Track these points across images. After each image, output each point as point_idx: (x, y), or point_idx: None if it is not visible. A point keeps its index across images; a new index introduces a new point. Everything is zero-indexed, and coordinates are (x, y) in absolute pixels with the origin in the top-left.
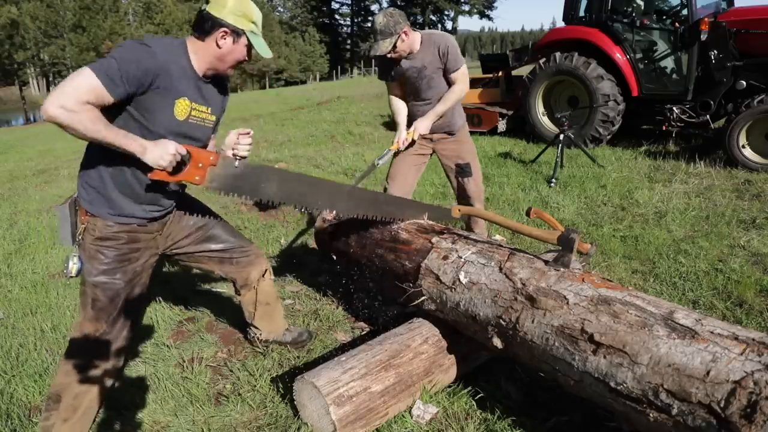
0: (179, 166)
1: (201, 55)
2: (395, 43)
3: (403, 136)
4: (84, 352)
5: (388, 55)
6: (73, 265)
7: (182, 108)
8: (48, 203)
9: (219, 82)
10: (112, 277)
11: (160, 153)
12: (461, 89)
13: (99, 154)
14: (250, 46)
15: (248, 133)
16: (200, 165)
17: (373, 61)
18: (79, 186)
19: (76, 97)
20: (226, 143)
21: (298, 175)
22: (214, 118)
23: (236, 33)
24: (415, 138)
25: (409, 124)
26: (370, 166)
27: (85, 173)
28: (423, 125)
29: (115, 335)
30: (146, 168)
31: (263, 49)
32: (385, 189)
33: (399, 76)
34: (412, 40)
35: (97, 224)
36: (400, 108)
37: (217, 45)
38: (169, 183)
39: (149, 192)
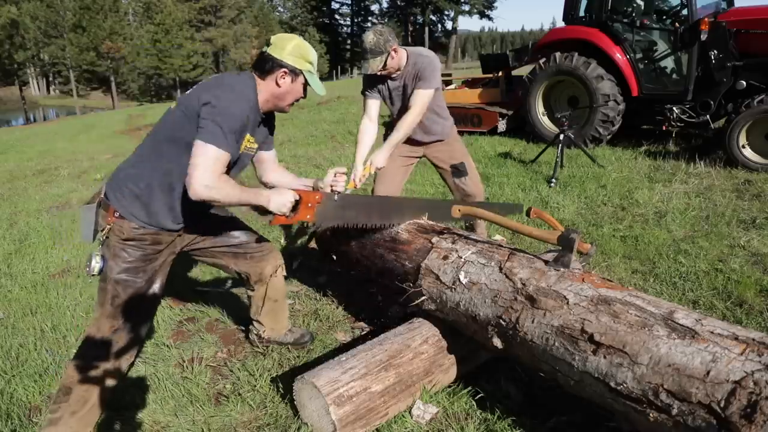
0: (294, 208)
1: (262, 92)
2: (385, 61)
3: (359, 172)
4: (98, 348)
5: (378, 73)
6: (96, 264)
7: (246, 142)
8: (48, 203)
9: (270, 115)
10: (134, 275)
11: (282, 201)
12: (415, 115)
13: (157, 170)
14: (306, 85)
15: (344, 172)
16: (309, 205)
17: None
18: (116, 189)
19: (213, 173)
20: (324, 182)
21: (381, 197)
22: (256, 146)
23: (294, 73)
24: (371, 173)
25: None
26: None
27: (129, 180)
28: (379, 158)
29: (130, 332)
30: (264, 212)
31: (318, 87)
32: (373, 191)
33: (384, 93)
34: (400, 56)
35: (124, 226)
36: (365, 139)
37: (277, 84)
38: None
39: (187, 213)
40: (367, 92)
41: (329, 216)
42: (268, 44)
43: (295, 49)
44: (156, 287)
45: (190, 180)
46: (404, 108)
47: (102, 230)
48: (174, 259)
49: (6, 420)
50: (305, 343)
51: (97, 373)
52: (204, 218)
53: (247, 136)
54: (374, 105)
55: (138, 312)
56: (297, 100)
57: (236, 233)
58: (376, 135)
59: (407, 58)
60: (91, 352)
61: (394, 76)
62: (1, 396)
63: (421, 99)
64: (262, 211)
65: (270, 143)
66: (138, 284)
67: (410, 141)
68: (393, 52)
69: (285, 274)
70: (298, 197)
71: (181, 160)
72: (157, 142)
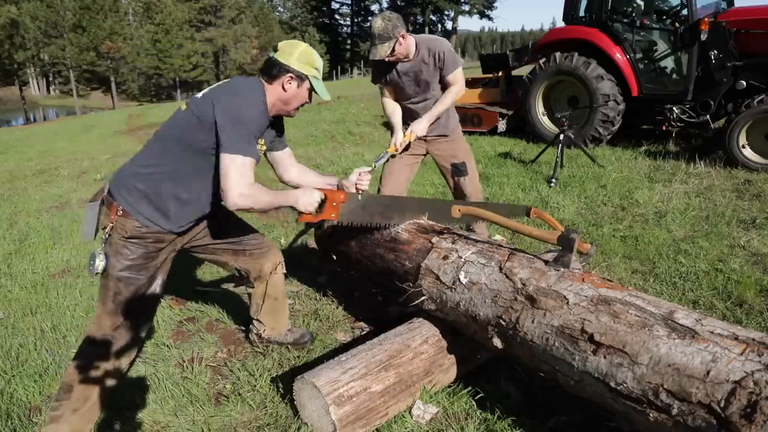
0: (320, 207)
1: (269, 96)
2: (393, 47)
3: (399, 138)
4: (99, 346)
5: (386, 59)
6: (100, 263)
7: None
8: (48, 203)
9: (278, 118)
10: (136, 273)
11: (309, 200)
12: (457, 91)
13: (168, 173)
14: (311, 90)
15: (369, 171)
16: (334, 204)
17: (370, 61)
18: (122, 188)
19: (246, 181)
20: (350, 180)
21: (398, 197)
22: (264, 148)
23: (300, 78)
24: (412, 140)
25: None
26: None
27: (138, 179)
28: (420, 127)
29: (130, 330)
30: (293, 212)
31: (323, 93)
32: (378, 189)
33: (395, 79)
34: (408, 43)
35: (127, 224)
36: (395, 110)
37: (283, 88)
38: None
39: (197, 215)
40: (379, 80)
41: (352, 215)
42: (275, 50)
43: (301, 56)
44: (157, 285)
45: (226, 192)
46: (419, 92)
47: (104, 228)
48: (174, 257)
49: (6, 420)
50: (305, 343)
51: (98, 370)
52: (208, 219)
53: (261, 140)
54: (388, 88)
55: (139, 309)
56: (302, 105)
57: (236, 230)
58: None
59: (417, 46)
60: (93, 349)
61: (404, 60)
62: (1, 396)
63: (459, 79)
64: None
65: (282, 143)
66: (140, 281)
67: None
68: (401, 39)
69: (285, 271)
70: (324, 196)
71: (194, 165)
72: (168, 144)
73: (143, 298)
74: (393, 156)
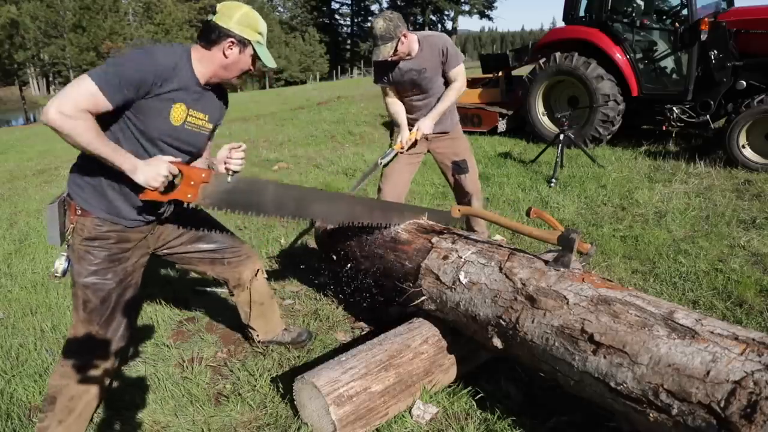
0: (171, 184)
1: (205, 63)
2: (396, 47)
3: (406, 136)
4: (78, 355)
5: (389, 59)
6: (60, 265)
7: (178, 113)
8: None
9: (220, 91)
10: (102, 277)
11: (152, 174)
12: (460, 87)
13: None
14: (255, 57)
15: (240, 147)
16: (192, 183)
17: (372, 61)
18: (72, 184)
19: (75, 103)
20: (218, 158)
21: (292, 186)
22: (210, 126)
23: (242, 43)
24: (418, 138)
25: (410, 124)
26: (372, 166)
27: (80, 170)
28: (426, 125)
29: (110, 336)
30: (137, 188)
31: (268, 60)
32: (380, 188)
33: (398, 78)
34: (410, 41)
35: (86, 224)
36: (399, 109)
37: (224, 54)
38: (162, 202)
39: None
40: (381, 80)
41: (220, 200)
42: (213, 12)
43: (243, 18)
44: (130, 290)
45: (48, 104)
46: (421, 89)
47: (68, 231)
48: (148, 261)
49: (6, 420)
50: (303, 342)
51: (80, 381)
52: (177, 214)
53: (182, 106)
54: (391, 87)
55: (113, 316)
56: (245, 73)
57: (213, 237)
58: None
59: (419, 43)
60: (72, 360)
61: (406, 58)
62: (1, 396)
63: (461, 74)
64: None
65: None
66: (108, 286)
67: None
68: (403, 38)
69: (266, 276)
70: (177, 172)
71: (111, 136)
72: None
73: (116, 303)
74: (399, 153)
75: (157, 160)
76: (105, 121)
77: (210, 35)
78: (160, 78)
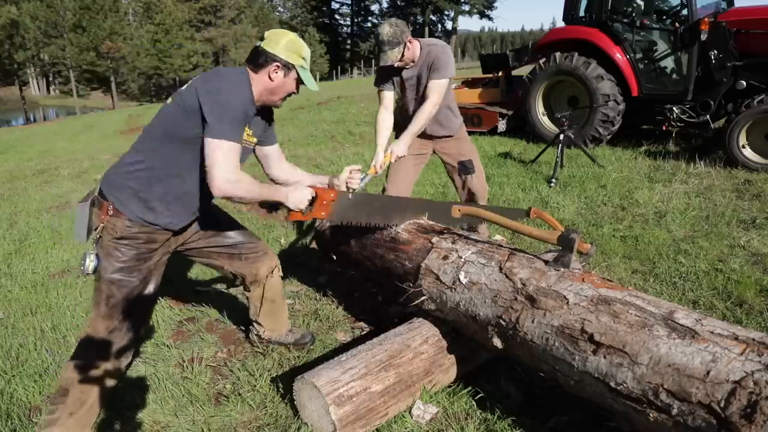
0: (309, 205)
1: (255, 86)
2: (403, 52)
3: (380, 159)
4: (95, 349)
5: (396, 65)
6: (90, 263)
7: (245, 135)
8: (48, 203)
9: (266, 109)
10: (128, 275)
11: (299, 198)
12: (433, 104)
13: (154, 167)
14: (299, 80)
15: (359, 169)
16: (325, 202)
17: (372, 61)
18: (110, 185)
19: (231, 167)
20: (340, 179)
21: (394, 197)
22: (255, 141)
23: (287, 67)
24: (392, 161)
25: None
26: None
27: (128, 177)
28: (399, 148)
29: (126, 332)
30: (271, 208)
31: (311, 83)
32: (384, 190)
33: (399, 85)
34: (414, 48)
35: (117, 224)
36: (383, 129)
37: (270, 78)
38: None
39: (186, 209)
40: (381, 85)
41: (343, 213)
42: (262, 39)
43: (288, 44)
44: (151, 287)
45: (213, 178)
46: (417, 98)
47: (96, 229)
48: (169, 259)
49: (6, 420)
50: (306, 344)
51: (94, 374)
52: (201, 216)
53: (248, 128)
54: (389, 96)
55: (133, 312)
56: (289, 95)
57: (231, 233)
58: (392, 124)
59: (420, 49)
60: (88, 353)
61: (408, 66)
62: (1, 396)
63: (437, 88)
64: (271, 207)
65: (271, 137)
66: (132, 284)
67: (422, 135)
68: (408, 43)
69: (281, 274)
70: (314, 194)
71: (182, 159)
72: (155, 139)
73: (137, 300)
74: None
75: (301, 186)
76: (184, 145)
77: (258, 59)
78: (251, 108)
